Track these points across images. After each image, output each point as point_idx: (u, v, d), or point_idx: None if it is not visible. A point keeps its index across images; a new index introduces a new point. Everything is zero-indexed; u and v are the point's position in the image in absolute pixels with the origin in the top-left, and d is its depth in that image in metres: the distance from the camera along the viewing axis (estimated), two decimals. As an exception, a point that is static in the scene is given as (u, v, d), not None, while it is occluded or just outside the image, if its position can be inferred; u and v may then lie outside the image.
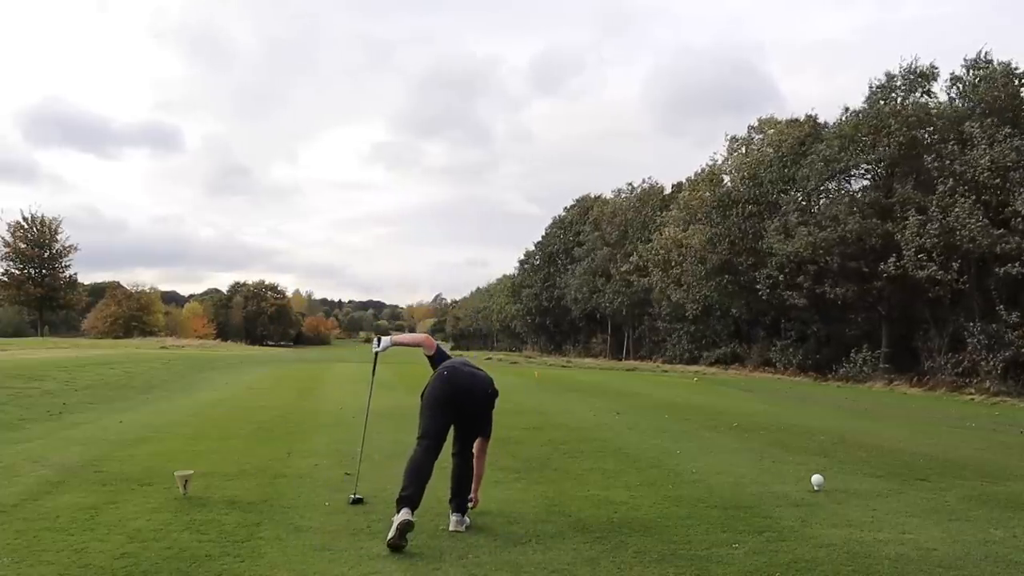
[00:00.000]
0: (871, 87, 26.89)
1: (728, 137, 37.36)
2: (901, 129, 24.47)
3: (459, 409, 4.81)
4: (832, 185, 28.37)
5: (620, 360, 45.31)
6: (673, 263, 37.38)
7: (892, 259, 24.04)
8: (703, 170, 39.61)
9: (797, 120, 33.56)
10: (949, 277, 22.43)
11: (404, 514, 4.33)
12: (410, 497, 4.45)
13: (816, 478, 6.28)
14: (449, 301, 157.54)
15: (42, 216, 57.60)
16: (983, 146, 21.90)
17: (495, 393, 5.04)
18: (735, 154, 36.65)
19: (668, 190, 48.13)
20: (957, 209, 21.98)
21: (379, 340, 5.19)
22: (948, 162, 23.03)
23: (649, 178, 52.59)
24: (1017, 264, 20.60)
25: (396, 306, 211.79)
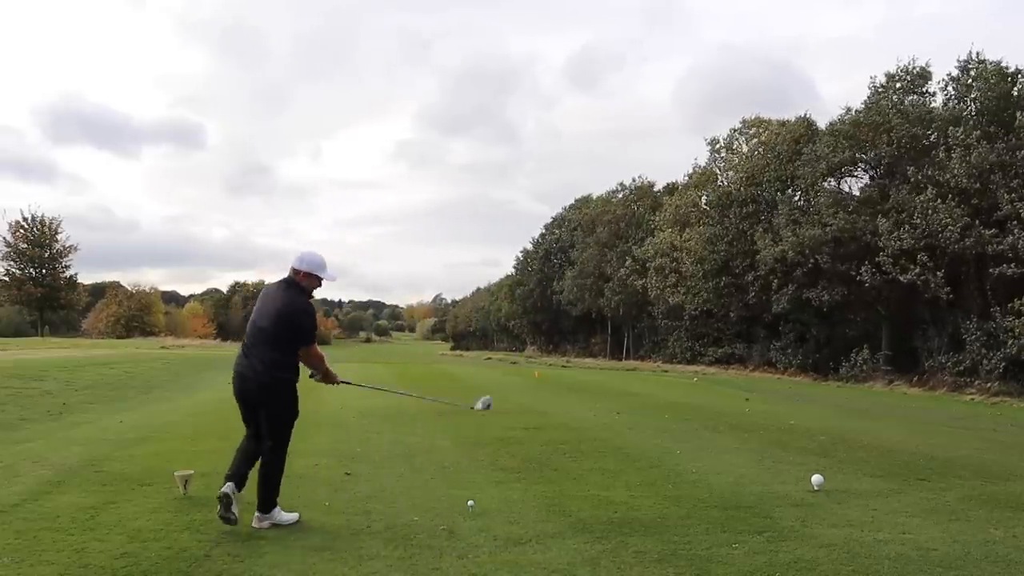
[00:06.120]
0: (871, 87, 26.97)
1: (709, 140, 37.59)
2: (904, 125, 24.51)
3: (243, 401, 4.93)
4: (829, 184, 28.36)
5: (620, 360, 45.30)
6: (668, 270, 37.44)
7: (867, 266, 24.17)
8: (691, 173, 39.75)
9: (788, 121, 33.62)
10: (933, 284, 22.53)
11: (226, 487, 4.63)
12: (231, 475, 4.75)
13: (816, 478, 6.28)
14: (449, 301, 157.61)
15: (42, 216, 57.59)
16: (960, 151, 22.00)
17: (267, 392, 4.73)
18: (719, 156, 36.77)
19: (659, 187, 48.15)
20: (940, 214, 22.07)
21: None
22: (932, 171, 23.15)
23: (640, 176, 52.49)
24: (1012, 265, 20.61)
25: (396, 306, 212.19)
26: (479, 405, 5.20)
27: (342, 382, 5.28)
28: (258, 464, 4.84)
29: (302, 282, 4.86)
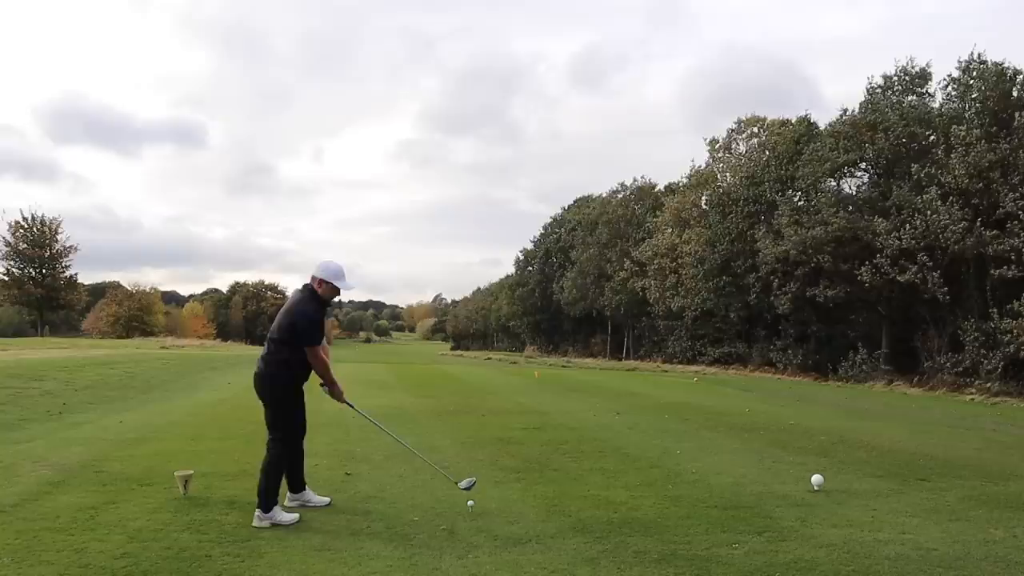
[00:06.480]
0: (868, 88, 27.04)
1: (709, 140, 37.63)
2: (901, 123, 24.55)
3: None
4: (830, 184, 28.37)
5: (620, 360, 45.29)
6: (668, 271, 37.43)
7: (867, 265, 24.20)
8: (690, 174, 39.76)
9: (787, 120, 33.65)
10: (931, 283, 22.55)
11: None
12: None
13: (816, 478, 6.28)
14: (449, 301, 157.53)
15: (42, 216, 57.60)
16: (961, 150, 22.03)
17: (259, 379, 5.10)
18: (719, 156, 36.77)
19: (661, 187, 48.16)
20: (941, 214, 22.10)
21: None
22: (934, 169, 23.18)
23: (642, 176, 52.56)
24: (1014, 267, 20.63)
25: (396, 306, 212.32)
26: (463, 484, 5.33)
27: (346, 403, 5.30)
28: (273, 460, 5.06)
29: (318, 289, 5.12)
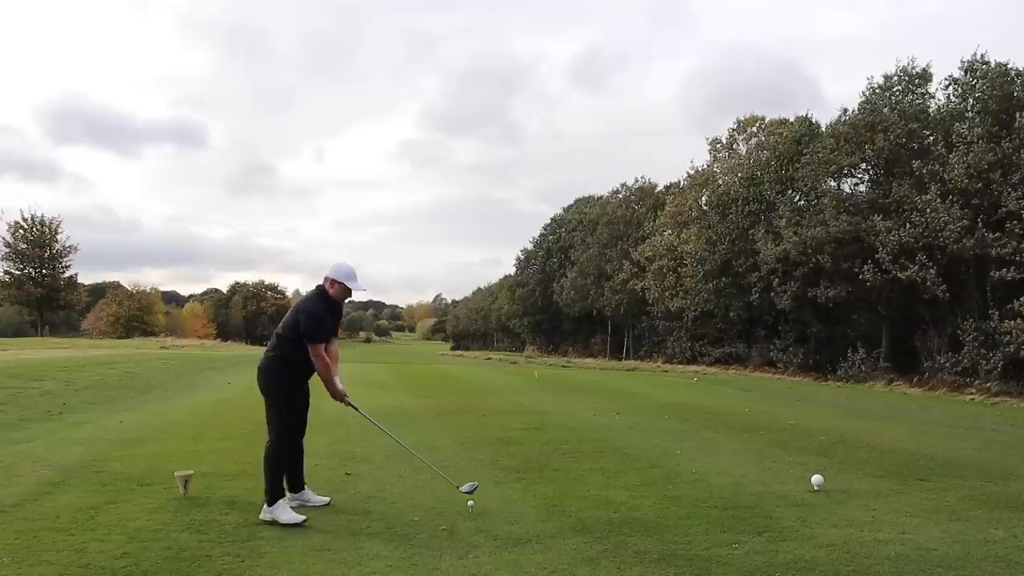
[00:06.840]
0: (868, 89, 27.03)
1: (710, 140, 37.64)
2: (899, 123, 24.57)
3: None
4: (831, 184, 28.37)
5: (620, 360, 45.30)
6: (667, 270, 37.41)
7: (868, 265, 24.21)
8: (689, 175, 39.78)
9: (787, 120, 33.65)
10: (929, 281, 22.57)
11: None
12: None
13: (816, 478, 6.28)
14: (449, 301, 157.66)
15: (42, 216, 57.66)
16: (962, 148, 22.03)
17: (260, 373, 5.18)
18: (720, 156, 36.78)
19: (661, 187, 48.17)
20: (940, 213, 22.10)
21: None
22: (937, 167, 23.17)
23: (642, 177, 52.59)
24: (1012, 269, 20.61)
25: (396, 306, 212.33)
26: (465, 488, 5.36)
27: (348, 403, 5.30)
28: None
29: (330, 290, 5.22)
